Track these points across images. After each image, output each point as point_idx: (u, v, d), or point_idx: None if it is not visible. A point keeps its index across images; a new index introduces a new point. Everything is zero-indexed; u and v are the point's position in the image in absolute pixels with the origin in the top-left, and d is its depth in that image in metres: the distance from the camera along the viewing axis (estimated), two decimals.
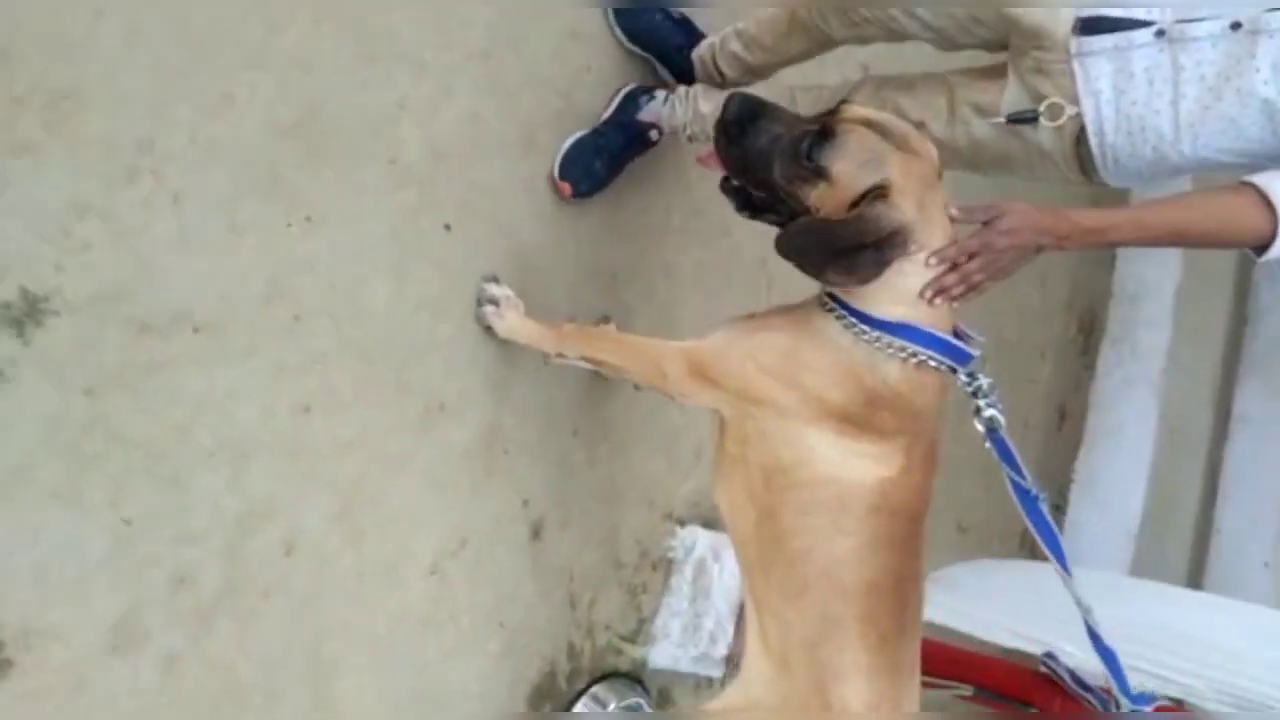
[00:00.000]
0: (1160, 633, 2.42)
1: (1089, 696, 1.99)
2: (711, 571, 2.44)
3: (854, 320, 1.59)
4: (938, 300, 1.58)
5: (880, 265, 1.53)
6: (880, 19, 1.91)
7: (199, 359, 1.65)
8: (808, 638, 1.66)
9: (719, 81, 2.23)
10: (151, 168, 1.56)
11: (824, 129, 1.55)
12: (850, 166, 1.53)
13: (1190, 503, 4.60)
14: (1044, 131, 1.79)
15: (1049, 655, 2.13)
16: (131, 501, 1.60)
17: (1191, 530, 4.61)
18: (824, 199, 1.56)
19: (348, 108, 1.79)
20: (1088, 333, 4.43)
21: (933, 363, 1.60)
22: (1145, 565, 4.25)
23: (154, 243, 1.58)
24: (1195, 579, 4.60)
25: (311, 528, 1.82)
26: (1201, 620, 2.54)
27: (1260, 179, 1.62)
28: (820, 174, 1.55)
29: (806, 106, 2.01)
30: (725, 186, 1.72)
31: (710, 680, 2.58)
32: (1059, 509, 4.36)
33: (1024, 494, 1.74)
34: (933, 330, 1.59)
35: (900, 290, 1.58)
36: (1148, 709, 1.89)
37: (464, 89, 1.96)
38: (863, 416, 1.60)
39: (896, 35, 1.94)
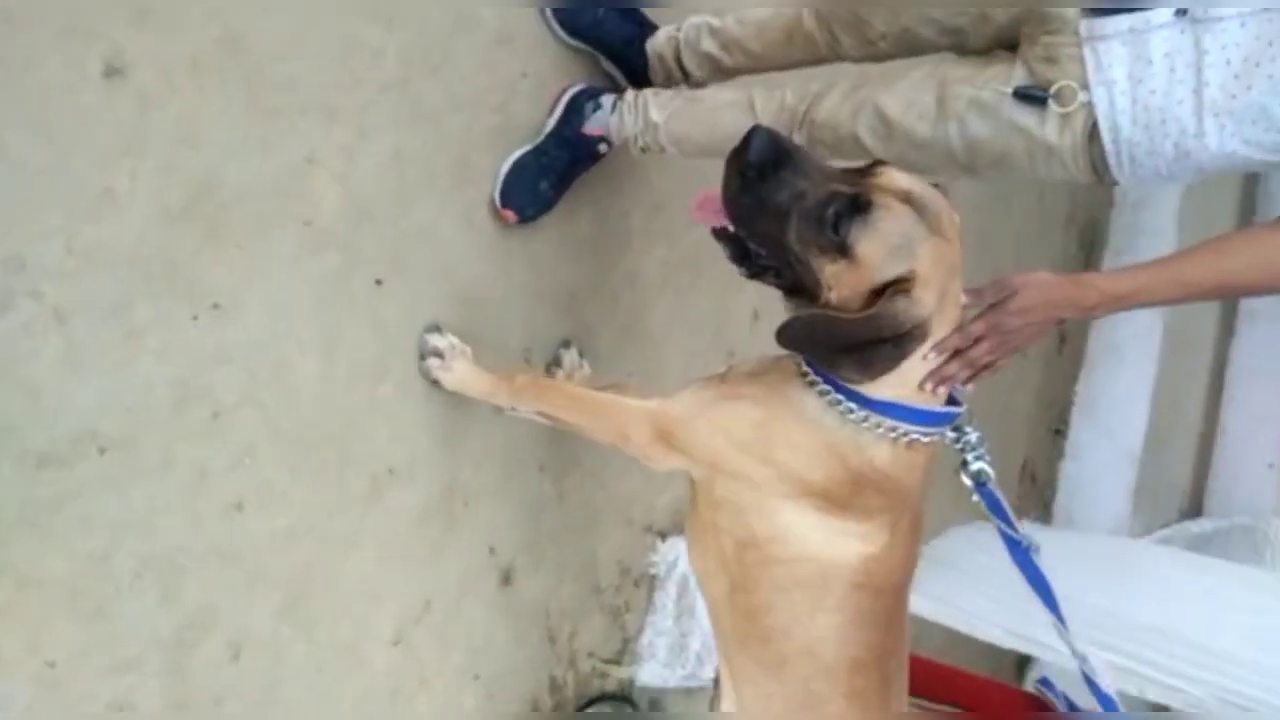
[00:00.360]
0: (1163, 636, 2.35)
1: None
2: (695, 590, 2.35)
3: (840, 397, 1.43)
4: (940, 390, 1.43)
5: (896, 360, 1.37)
6: (895, 33, 1.71)
7: (110, 480, 1.50)
8: (789, 710, 1.58)
9: (680, 79, 2.00)
10: (26, 289, 1.38)
11: (857, 199, 1.34)
12: (880, 251, 1.33)
13: (1194, 409, 4.49)
14: (1051, 123, 1.57)
15: (1043, 682, 2.06)
16: (53, 644, 1.48)
17: (1195, 437, 4.52)
18: (840, 278, 1.36)
19: (247, 176, 1.59)
20: (1089, 248, 4.21)
21: (925, 439, 1.45)
22: (1148, 478, 4.18)
23: (41, 368, 1.41)
24: (1199, 486, 4.54)
25: (258, 627, 1.71)
26: (1206, 616, 2.45)
27: None
28: (844, 251, 1.34)
29: (769, 116, 1.80)
30: (720, 234, 1.49)
31: (701, 688, 2.52)
32: (1059, 433, 4.26)
33: (1015, 545, 1.65)
34: (927, 407, 1.45)
35: (898, 371, 1.41)
36: None
37: (381, 127, 1.75)
38: (845, 497, 1.46)
39: (913, 49, 1.74)
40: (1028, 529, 3.55)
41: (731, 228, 1.45)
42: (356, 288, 1.76)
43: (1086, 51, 1.52)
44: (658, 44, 1.99)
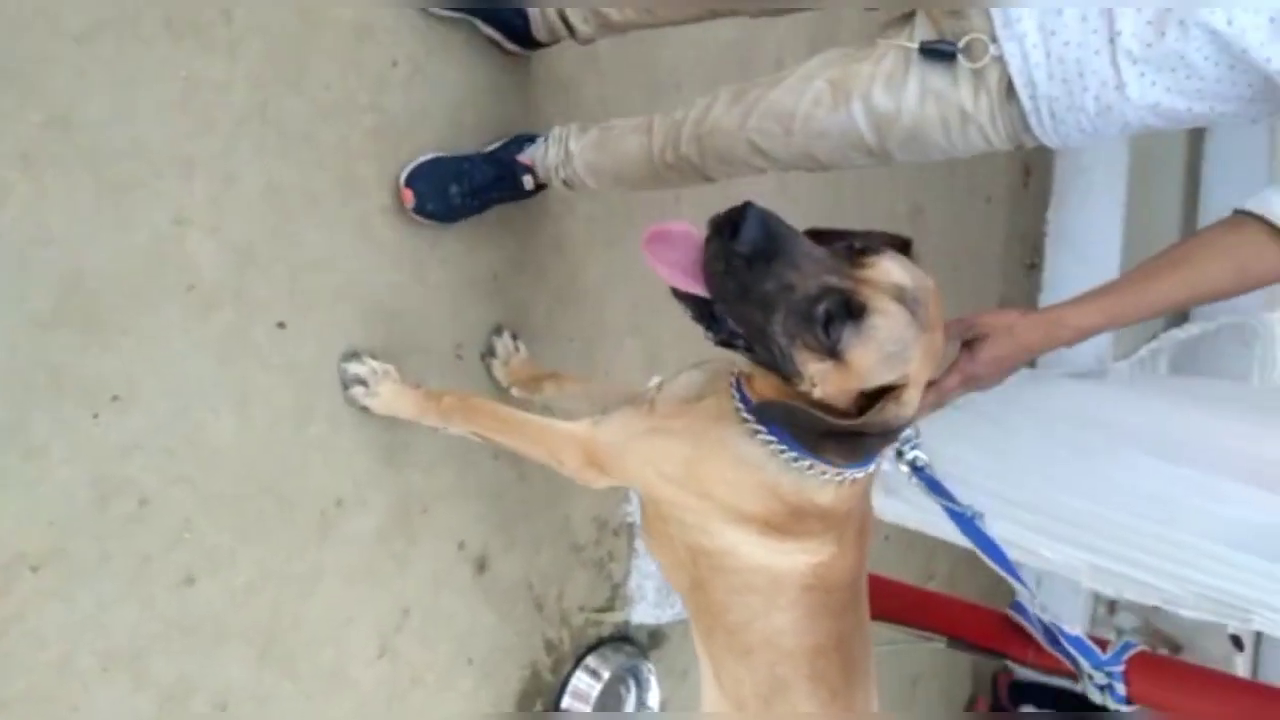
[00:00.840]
0: (1138, 534, 2.36)
1: (1058, 653, 1.95)
2: None
3: (784, 446, 1.36)
4: None
5: (881, 448, 1.31)
6: None
7: (50, 593, 1.50)
8: (759, 692, 1.62)
9: (566, 35, 1.88)
10: None
11: (851, 302, 1.22)
12: (873, 358, 1.23)
13: (1171, 219, 4.36)
14: (964, 84, 1.47)
15: (1016, 606, 2.07)
16: None
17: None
18: (826, 378, 1.26)
19: (113, 258, 1.50)
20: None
21: (869, 472, 1.42)
22: None
23: None
24: None
25: (237, 679, 1.74)
26: (1179, 510, 2.44)
27: (1258, 205, 1.34)
28: (834, 354, 1.23)
29: (662, 133, 1.73)
30: (683, 295, 1.30)
31: None
32: (1034, 266, 4.17)
33: (959, 517, 1.64)
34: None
35: None
36: (1120, 667, 1.87)
37: (247, 165, 1.64)
38: (786, 525, 1.43)
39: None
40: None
41: (704, 294, 1.29)
42: (259, 337, 1.69)
43: (991, 3, 1.41)
44: None
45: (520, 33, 1.91)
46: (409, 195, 1.86)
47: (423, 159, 1.88)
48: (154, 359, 1.57)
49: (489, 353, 2.05)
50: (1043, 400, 3.22)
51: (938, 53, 1.47)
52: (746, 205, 1.21)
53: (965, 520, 1.60)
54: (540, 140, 1.93)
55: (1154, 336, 4.22)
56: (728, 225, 1.21)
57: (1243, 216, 1.37)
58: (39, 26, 1.41)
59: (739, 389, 1.42)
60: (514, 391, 2.03)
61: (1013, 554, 2.49)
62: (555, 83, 2.07)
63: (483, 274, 2.04)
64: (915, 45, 1.49)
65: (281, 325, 1.72)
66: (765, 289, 1.22)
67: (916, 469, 1.56)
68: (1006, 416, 2.85)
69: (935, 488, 1.57)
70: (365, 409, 1.81)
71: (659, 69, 2.40)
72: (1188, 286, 1.39)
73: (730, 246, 1.21)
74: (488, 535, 2.13)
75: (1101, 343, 3.87)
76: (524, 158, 1.92)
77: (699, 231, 1.27)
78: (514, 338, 2.08)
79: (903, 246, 1.34)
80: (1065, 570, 2.56)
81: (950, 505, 1.59)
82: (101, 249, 1.49)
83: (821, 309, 1.21)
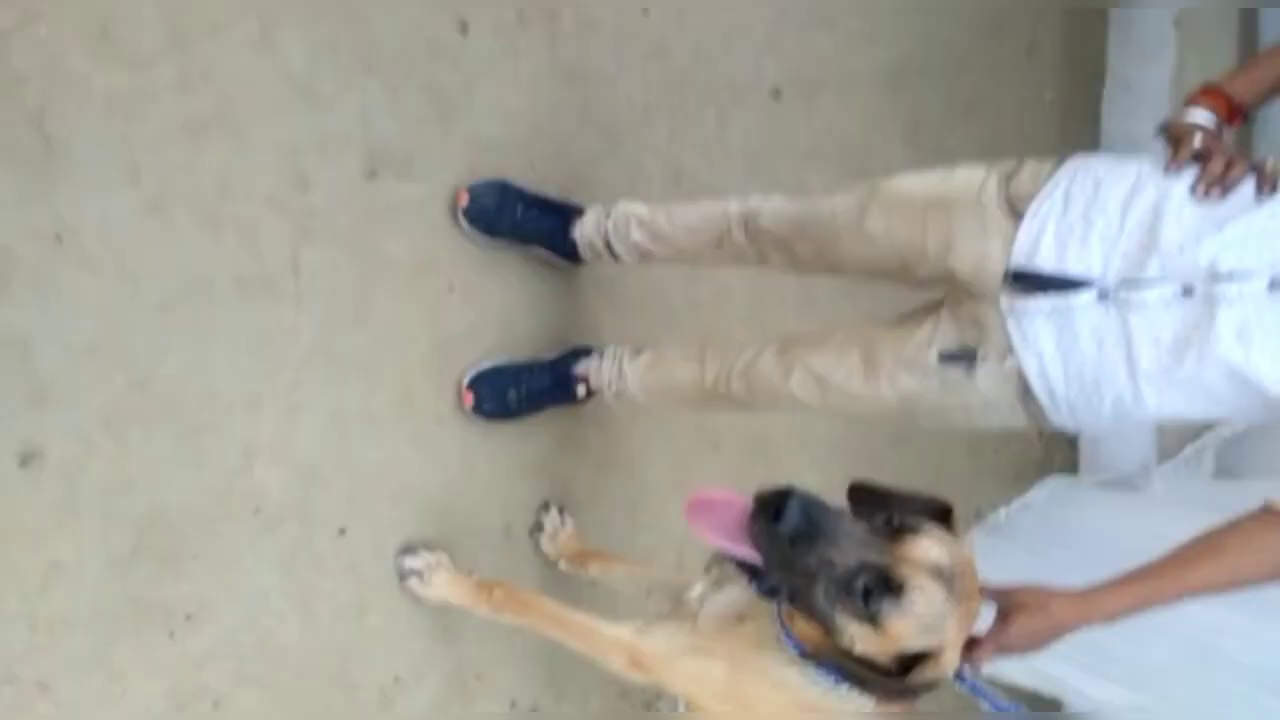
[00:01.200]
0: (1174, 675, 2.35)
1: None
2: None
3: (824, 672, 1.44)
4: None
5: (922, 695, 1.39)
6: (823, 264, 1.76)
7: None
8: None
9: (610, 260, 2.02)
10: (2, 677, 1.51)
11: (889, 578, 1.31)
12: (910, 629, 1.32)
13: None
14: (984, 380, 1.58)
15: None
16: None
17: None
18: (866, 640, 1.35)
19: (187, 494, 1.67)
20: None
21: None
22: None
23: None
24: None
25: None
26: (1212, 651, 2.43)
27: None
28: (873, 621, 1.32)
29: (714, 368, 1.89)
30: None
31: None
32: None
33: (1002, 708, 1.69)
34: None
35: None
36: None
37: (312, 397, 1.79)
38: None
39: (840, 274, 1.78)
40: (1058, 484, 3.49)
41: (746, 556, 1.39)
42: (321, 545, 1.84)
43: (1010, 324, 1.51)
44: (586, 231, 2.00)
45: (569, 255, 2.04)
46: (470, 396, 2.00)
47: (486, 365, 2.02)
48: (224, 577, 1.72)
49: (536, 528, 2.16)
50: (1078, 520, 3.22)
51: (956, 358, 1.58)
52: (789, 493, 1.29)
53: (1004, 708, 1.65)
54: (595, 355, 2.06)
55: (1197, 436, 4.07)
56: (772, 508, 1.30)
57: (1274, 516, 1.40)
58: (122, 298, 1.57)
59: (781, 621, 1.49)
60: (562, 565, 2.14)
61: (1056, 691, 2.53)
62: (600, 280, 2.19)
63: (529, 456, 2.16)
64: (934, 360, 1.60)
65: (342, 532, 1.86)
66: (808, 564, 1.31)
67: (959, 679, 1.62)
68: (1044, 547, 2.86)
69: (977, 691, 1.60)
70: (420, 598, 1.94)
71: None
72: (1224, 576, 1.43)
73: (774, 528, 1.29)
74: (538, 691, 2.25)
75: (1146, 446, 3.73)
76: (579, 370, 2.05)
77: (739, 495, 1.37)
78: (560, 511, 2.18)
79: (943, 514, 1.41)
80: (1108, 709, 2.58)
81: (998, 704, 1.61)
82: (176, 489, 1.65)
83: (861, 582, 1.30)
